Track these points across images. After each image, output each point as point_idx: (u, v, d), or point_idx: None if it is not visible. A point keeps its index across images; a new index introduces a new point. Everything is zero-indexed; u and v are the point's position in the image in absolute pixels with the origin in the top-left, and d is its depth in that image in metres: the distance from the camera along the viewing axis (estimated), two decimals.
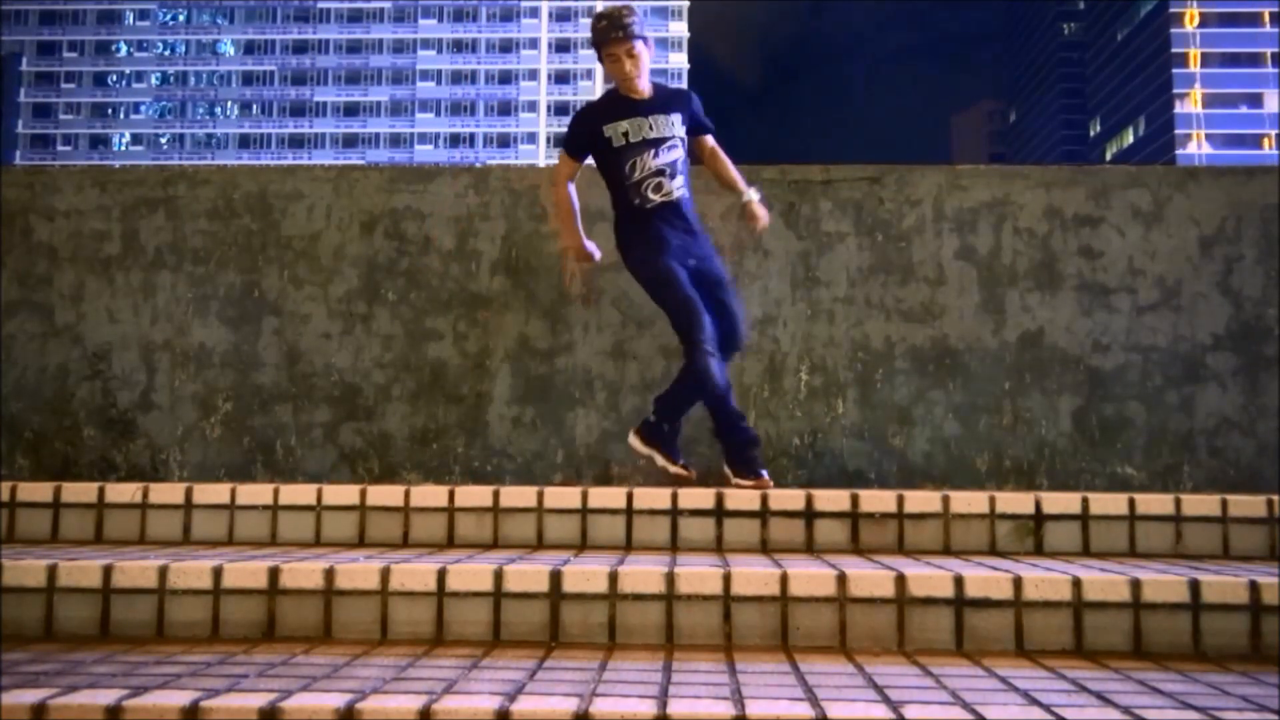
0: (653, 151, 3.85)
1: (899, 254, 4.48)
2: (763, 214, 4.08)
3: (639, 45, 3.83)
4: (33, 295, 4.61)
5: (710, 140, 4.09)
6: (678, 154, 3.88)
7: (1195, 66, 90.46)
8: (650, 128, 3.86)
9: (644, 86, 3.89)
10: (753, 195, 4.06)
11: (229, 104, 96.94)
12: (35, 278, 4.62)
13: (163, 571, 2.39)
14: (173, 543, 3.12)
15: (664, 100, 3.92)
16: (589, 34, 4.02)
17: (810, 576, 2.37)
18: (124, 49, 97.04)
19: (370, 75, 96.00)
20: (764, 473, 3.73)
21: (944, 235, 4.48)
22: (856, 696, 1.85)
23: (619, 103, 3.91)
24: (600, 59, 3.91)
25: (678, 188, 3.87)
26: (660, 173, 3.84)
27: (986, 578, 2.37)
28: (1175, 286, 4.42)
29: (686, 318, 3.74)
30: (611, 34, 3.80)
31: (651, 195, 3.84)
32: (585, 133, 3.92)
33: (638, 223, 3.87)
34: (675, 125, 3.90)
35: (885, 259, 4.48)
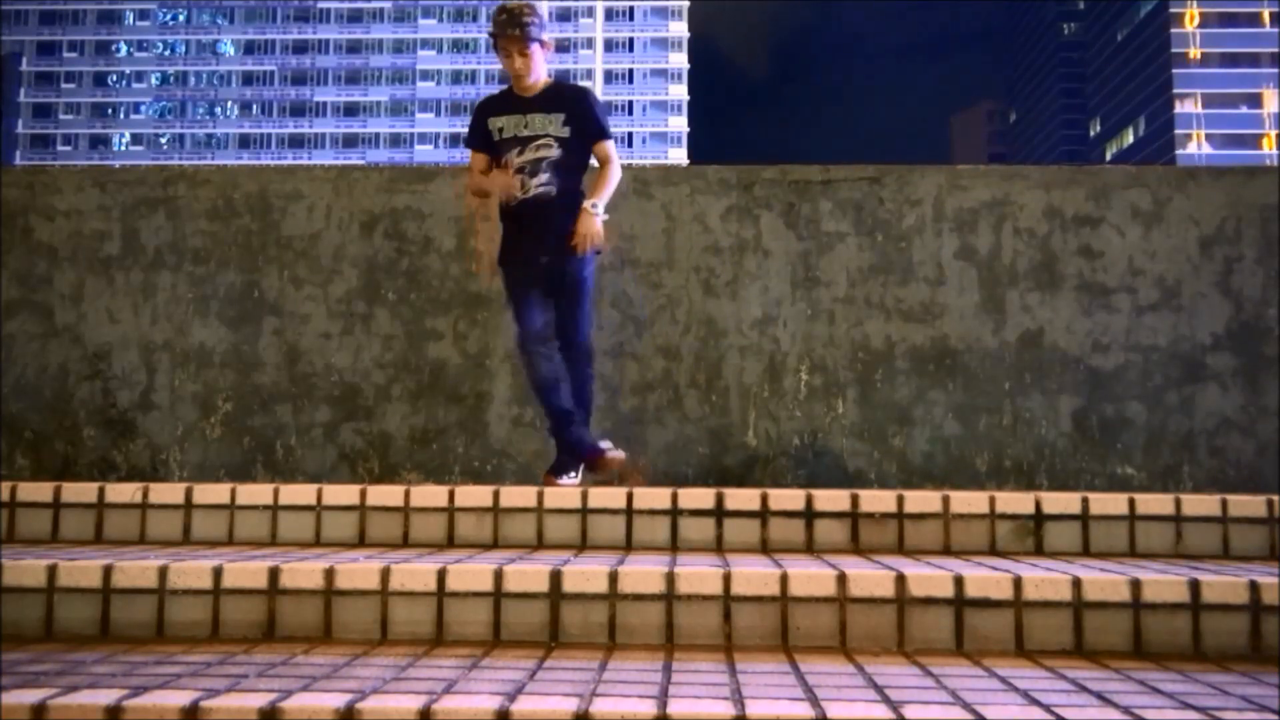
0: (519, 149, 3.87)
1: (899, 254, 4.48)
2: (590, 228, 3.79)
3: (533, 46, 3.86)
4: (33, 295, 4.61)
5: (606, 147, 3.93)
6: (547, 153, 3.85)
7: (1195, 66, 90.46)
8: (525, 125, 3.88)
9: (533, 84, 3.91)
10: (589, 205, 3.83)
11: (229, 104, 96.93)
12: (35, 278, 4.62)
13: (163, 571, 2.39)
14: (173, 543, 3.12)
15: (551, 99, 3.90)
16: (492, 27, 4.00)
17: (810, 576, 2.36)
18: (124, 49, 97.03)
19: (370, 75, 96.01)
20: (566, 478, 3.79)
21: (944, 235, 4.48)
22: (856, 696, 1.85)
23: (508, 98, 3.99)
24: (495, 49, 3.92)
25: (537, 185, 3.84)
26: (521, 170, 3.85)
27: (986, 578, 2.37)
28: (1175, 286, 4.42)
29: (515, 319, 3.88)
30: (508, 29, 3.85)
31: (515, 192, 3.87)
32: (477, 124, 4.00)
33: (504, 219, 3.96)
34: (553, 124, 3.87)
35: (885, 259, 4.48)
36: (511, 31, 3.84)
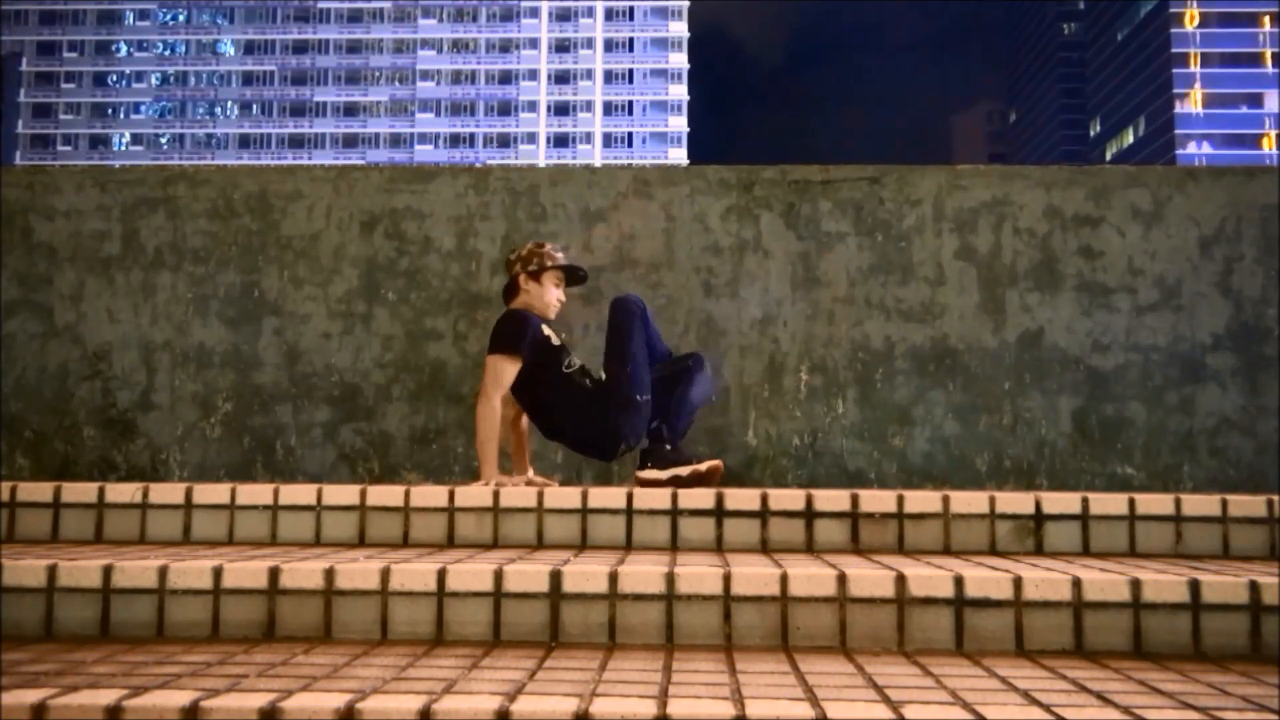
0: None
1: (899, 254, 4.48)
2: None
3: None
4: (33, 295, 4.61)
5: None
6: None
7: (1195, 66, 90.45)
8: None
9: None
10: None
11: (229, 104, 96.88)
12: (35, 278, 4.62)
13: (163, 571, 2.39)
14: (173, 543, 3.12)
15: None
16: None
17: (810, 576, 2.36)
18: (124, 49, 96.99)
19: (370, 75, 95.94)
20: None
21: (944, 235, 4.48)
22: (856, 696, 1.85)
23: None
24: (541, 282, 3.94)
25: None
26: None
27: (986, 578, 2.37)
28: (1175, 286, 4.42)
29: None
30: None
31: None
32: None
33: None
34: None
35: (885, 259, 4.48)
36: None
